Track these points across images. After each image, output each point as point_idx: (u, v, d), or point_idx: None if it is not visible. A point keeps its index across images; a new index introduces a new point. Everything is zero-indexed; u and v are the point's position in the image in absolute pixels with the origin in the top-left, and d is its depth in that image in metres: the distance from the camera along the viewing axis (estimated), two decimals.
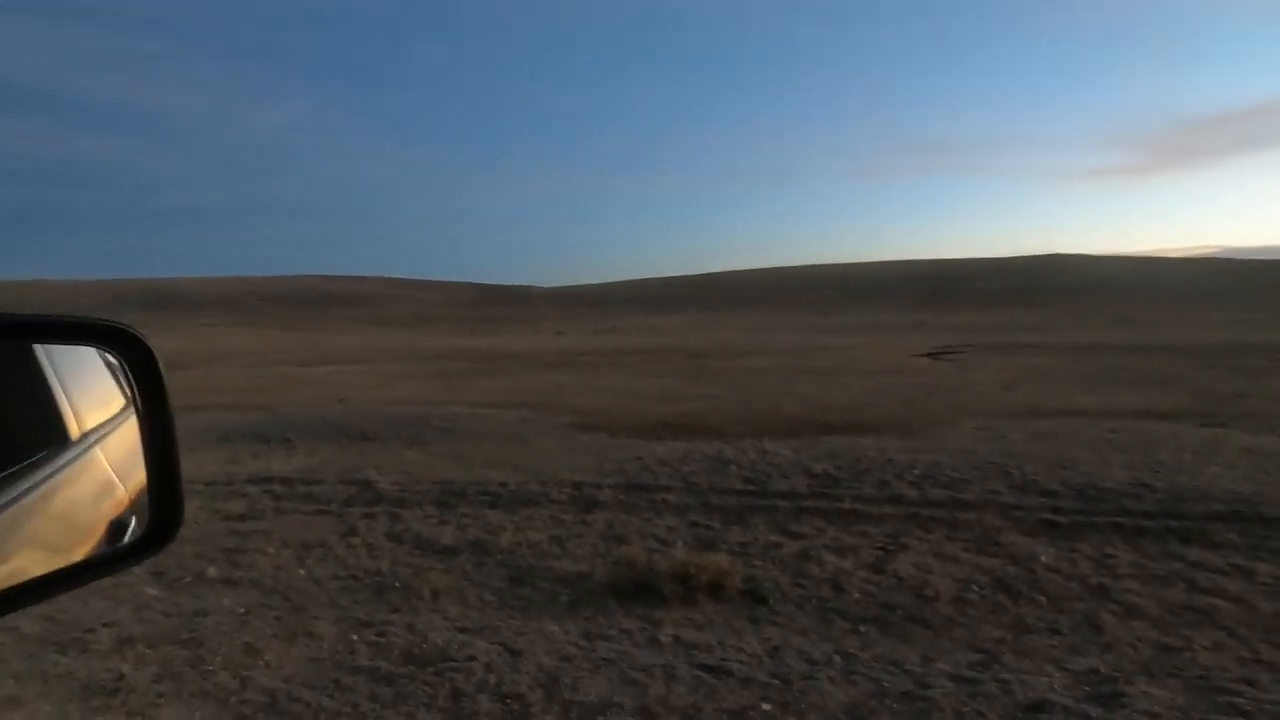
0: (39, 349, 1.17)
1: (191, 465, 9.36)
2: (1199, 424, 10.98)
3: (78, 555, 1.12)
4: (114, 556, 1.18)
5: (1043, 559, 5.61)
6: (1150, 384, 16.34)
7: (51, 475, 1.15)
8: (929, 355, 25.80)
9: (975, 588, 5.16)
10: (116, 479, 1.24)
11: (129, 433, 1.19)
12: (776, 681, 3.81)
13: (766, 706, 3.56)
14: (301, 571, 5.74)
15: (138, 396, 1.18)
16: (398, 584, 5.46)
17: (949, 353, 26.48)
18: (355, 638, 4.43)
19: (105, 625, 4.57)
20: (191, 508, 7.37)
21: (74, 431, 1.21)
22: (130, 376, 1.18)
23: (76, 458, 1.22)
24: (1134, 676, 3.83)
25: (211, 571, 5.72)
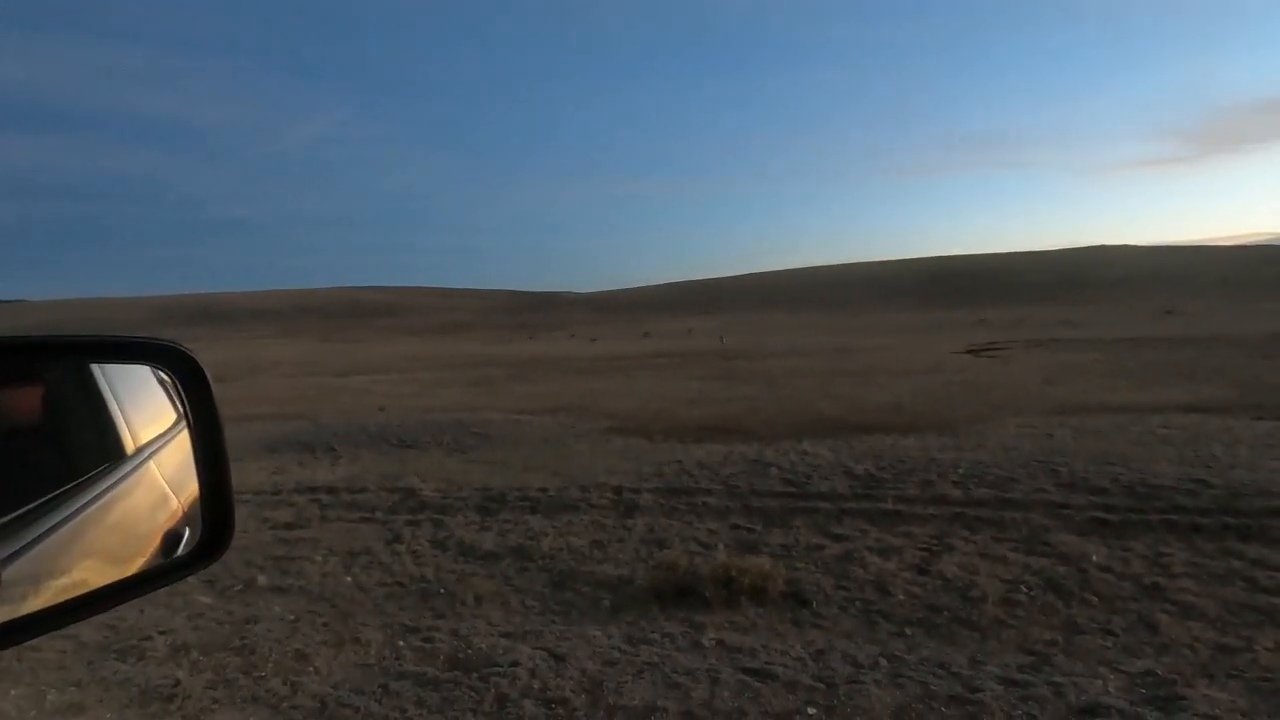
0: (95, 367, 1.20)
1: (239, 475, 9.50)
2: (1252, 417, 10.65)
3: (135, 567, 1.16)
4: (170, 568, 1.21)
5: (1094, 558, 5.48)
6: (1199, 377, 15.90)
7: (109, 489, 1.19)
8: (970, 352, 25.38)
9: (1024, 588, 5.05)
10: (171, 492, 1.28)
11: (182, 447, 1.23)
12: (821, 685, 3.77)
13: (812, 710, 3.53)
14: (348, 579, 5.83)
15: (188, 411, 1.21)
16: (442, 590, 5.52)
17: (991, 349, 26.03)
18: (401, 643, 4.49)
19: (161, 633, 4.69)
20: (240, 516, 7.51)
21: (129, 446, 1.25)
22: (181, 392, 1.21)
23: (132, 472, 1.25)
24: (1193, 679, 3.72)
25: (261, 579, 5.84)
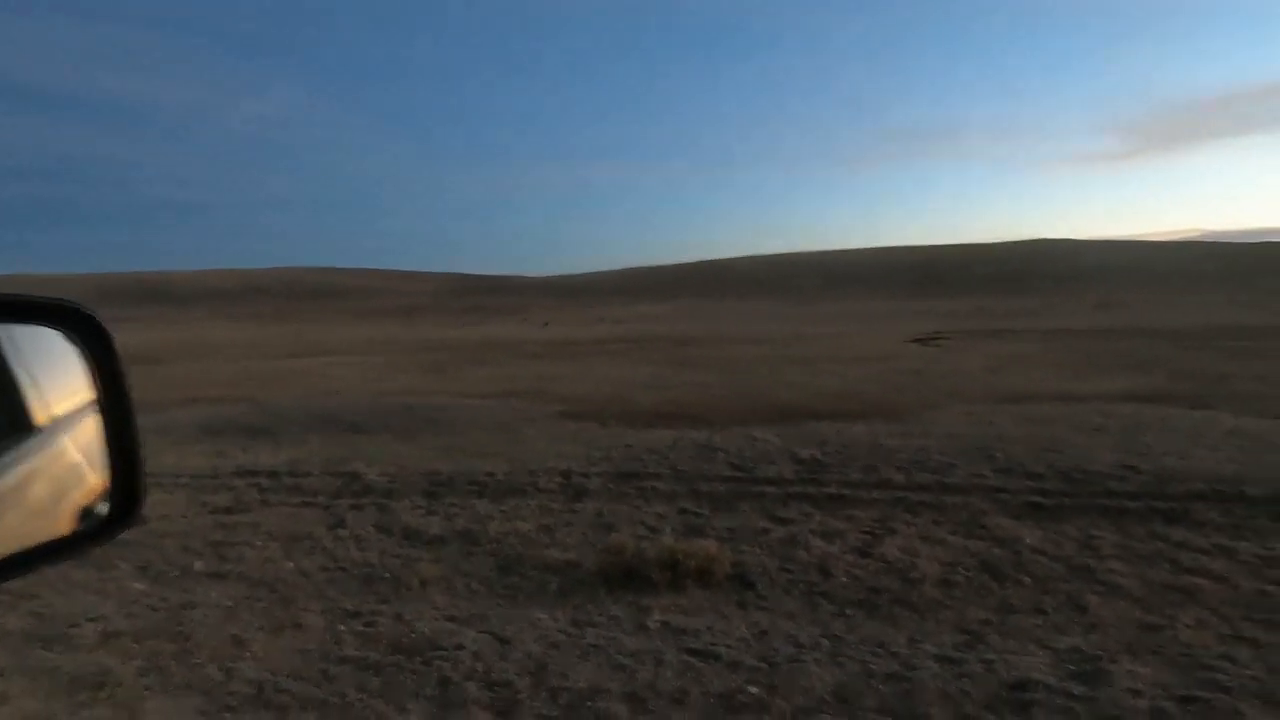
0: (2, 338, 1.15)
1: (178, 458, 9.31)
2: (1186, 406, 11.07)
3: (43, 538, 1.12)
4: (77, 538, 1.17)
5: (1028, 541, 5.65)
6: (1137, 367, 16.45)
7: (17, 461, 1.14)
8: (918, 341, 25.88)
9: (961, 570, 5.19)
10: (85, 463, 1.23)
11: (96, 417, 1.19)
12: (763, 665, 3.83)
13: (753, 690, 3.59)
14: (289, 564, 5.72)
15: (94, 375, 1.17)
16: (386, 575, 5.45)
17: (938, 339, 26.57)
18: (343, 628, 4.43)
19: (91, 620, 4.56)
20: (178, 501, 7.36)
21: (39, 418, 1.20)
22: (84, 355, 1.17)
23: (43, 443, 1.21)
24: (1117, 655, 3.86)
25: (198, 565, 5.70)
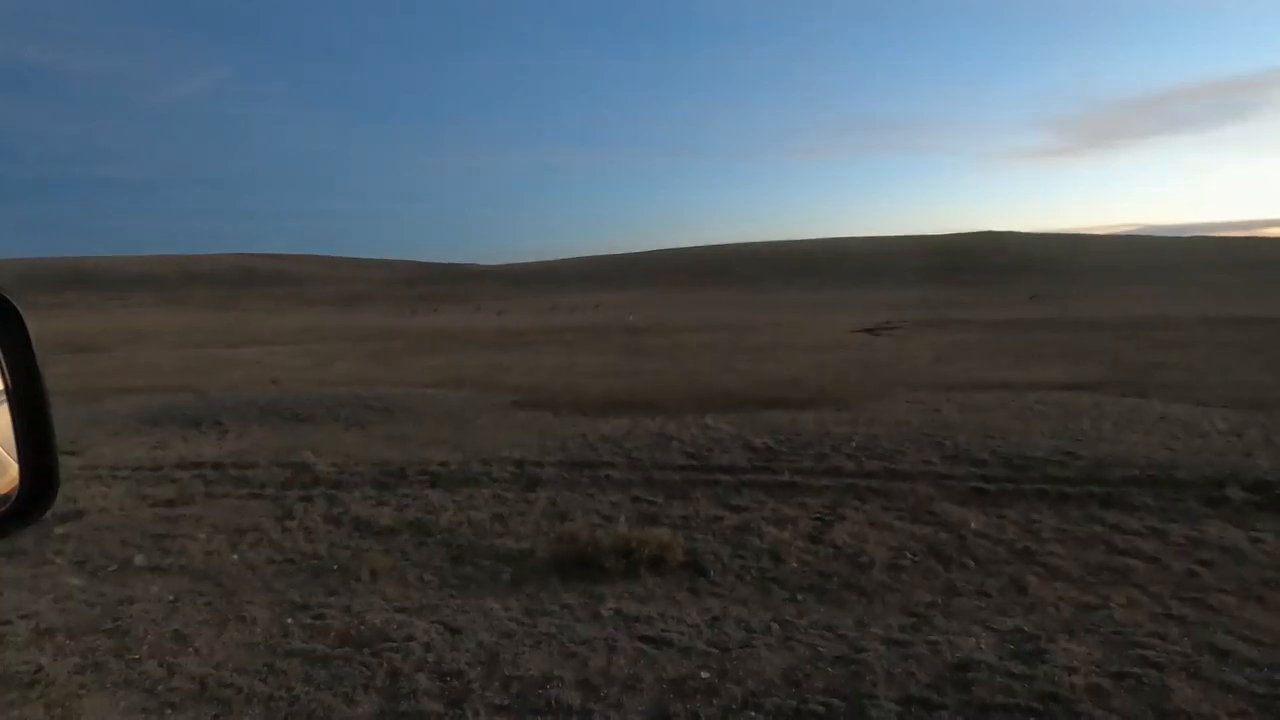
0: None
1: (116, 450, 9.01)
2: (1119, 394, 11.47)
3: None
4: None
5: (972, 525, 5.81)
6: (1073, 357, 16.98)
7: None
8: (868, 331, 26.30)
9: (908, 555, 5.31)
10: (4, 453, 1.18)
11: (3, 405, 1.13)
12: (715, 650, 3.87)
13: (705, 675, 3.62)
14: (235, 556, 5.59)
15: (4, 361, 1.11)
16: (335, 566, 5.36)
17: (888, 328, 27.04)
18: (290, 621, 4.35)
19: (23, 617, 4.40)
20: (116, 494, 7.13)
21: None
22: None
23: None
24: (1055, 634, 4.00)
25: (139, 559, 5.53)
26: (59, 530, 6.03)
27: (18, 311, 1.11)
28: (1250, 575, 4.80)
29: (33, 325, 1.12)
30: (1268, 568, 4.90)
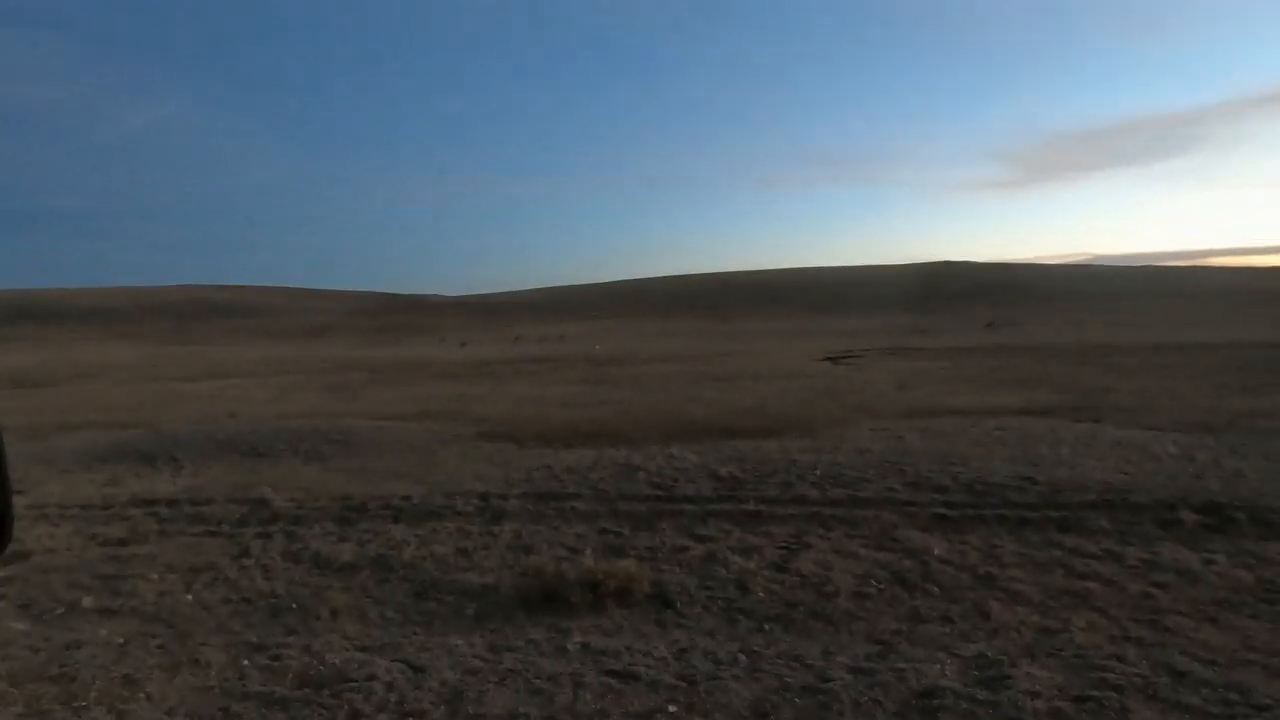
0: None
1: (65, 488, 8.73)
2: (1074, 419, 11.73)
3: None
4: None
5: (936, 552, 5.87)
6: (1030, 383, 17.35)
7: None
8: (830, 360, 26.62)
9: (874, 582, 5.34)
10: None
11: None
12: (683, 683, 3.84)
13: (672, 708, 3.59)
14: (188, 597, 5.43)
15: None
16: (294, 605, 5.23)
17: (849, 357, 27.40)
18: (246, 663, 4.23)
19: None
20: (64, 533, 6.90)
21: None
22: None
23: None
24: (1018, 659, 4.04)
25: (87, 601, 5.34)
26: (1, 573, 5.81)
27: None
28: (1203, 596, 4.91)
29: None
30: (1220, 588, 5.02)
